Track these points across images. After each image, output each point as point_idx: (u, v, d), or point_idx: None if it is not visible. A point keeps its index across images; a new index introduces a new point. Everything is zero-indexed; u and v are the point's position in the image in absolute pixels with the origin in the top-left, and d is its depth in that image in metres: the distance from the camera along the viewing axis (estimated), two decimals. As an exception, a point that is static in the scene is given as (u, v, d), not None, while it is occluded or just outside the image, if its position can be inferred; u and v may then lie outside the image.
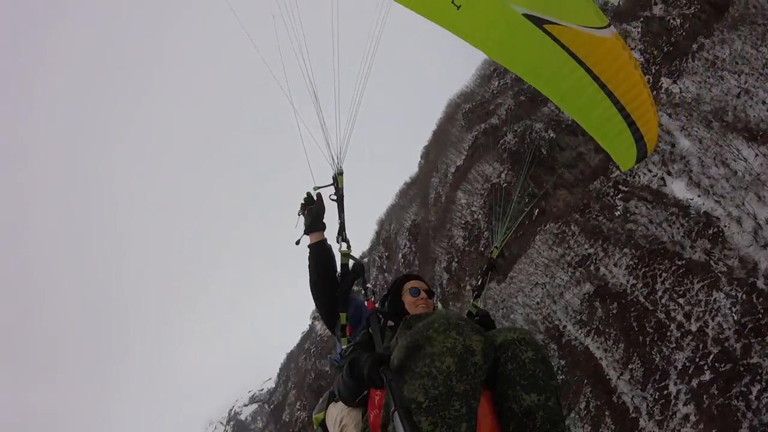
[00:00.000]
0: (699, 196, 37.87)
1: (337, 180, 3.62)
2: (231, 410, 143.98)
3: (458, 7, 3.15)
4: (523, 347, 2.39)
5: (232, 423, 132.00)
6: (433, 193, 48.70)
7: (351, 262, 3.47)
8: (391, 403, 2.07)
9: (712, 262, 28.20)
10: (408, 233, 50.55)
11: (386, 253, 55.26)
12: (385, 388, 2.15)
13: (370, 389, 2.48)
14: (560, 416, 2.23)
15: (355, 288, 3.57)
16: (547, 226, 35.74)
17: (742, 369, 15.72)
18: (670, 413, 17.18)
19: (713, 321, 20.45)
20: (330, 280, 3.45)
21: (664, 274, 28.54)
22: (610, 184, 40.93)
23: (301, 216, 3.64)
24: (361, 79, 3.57)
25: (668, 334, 22.12)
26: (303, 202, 3.65)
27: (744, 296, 20.46)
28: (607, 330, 24.63)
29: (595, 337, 24.66)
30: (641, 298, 25.40)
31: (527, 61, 3.52)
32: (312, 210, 3.59)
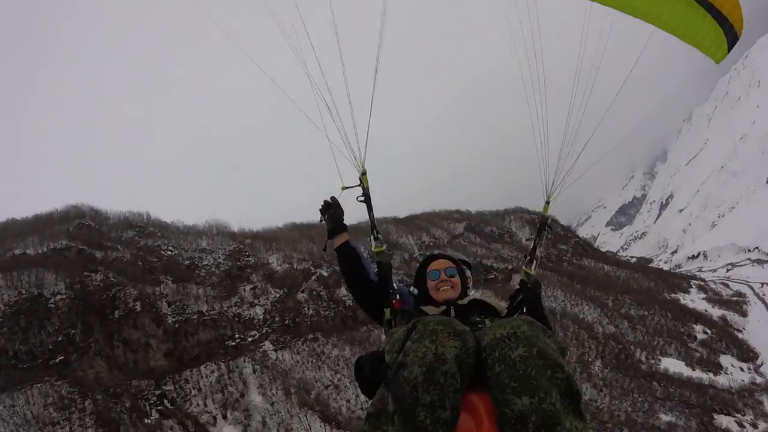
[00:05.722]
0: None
1: (362, 180, 3.71)
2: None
3: None
4: (513, 344, 2.17)
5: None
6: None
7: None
8: (387, 401, 2.11)
9: None
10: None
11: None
12: (385, 386, 2.18)
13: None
14: (557, 419, 1.98)
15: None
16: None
17: None
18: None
19: None
20: (361, 278, 3.45)
21: None
22: (158, 392, 43.30)
23: (323, 221, 3.66)
24: (373, 84, 3.72)
25: None
26: (321, 207, 3.64)
27: None
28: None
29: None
30: None
31: None
32: (331, 214, 3.60)
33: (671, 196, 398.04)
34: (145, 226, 66.28)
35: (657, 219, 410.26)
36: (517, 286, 3.58)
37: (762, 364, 68.16)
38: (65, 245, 51.85)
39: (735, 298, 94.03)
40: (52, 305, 42.12)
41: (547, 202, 4.03)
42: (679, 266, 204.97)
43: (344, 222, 3.63)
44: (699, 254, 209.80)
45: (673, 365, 63.39)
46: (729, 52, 4.23)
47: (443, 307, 3.04)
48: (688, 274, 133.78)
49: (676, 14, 3.80)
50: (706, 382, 60.47)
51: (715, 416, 53.48)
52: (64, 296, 43.24)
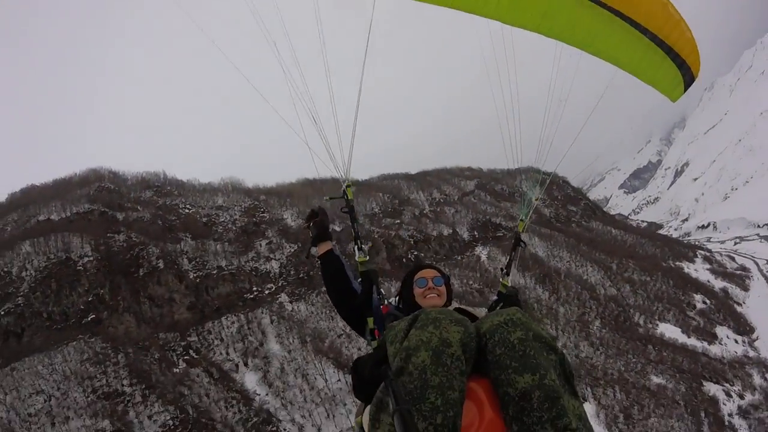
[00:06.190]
0: (267, 394, 42.99)
1: (346, 193, 3.87)
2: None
3: None
4: (511, 328, 2.29)
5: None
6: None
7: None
8: (388, 402, 2.08)
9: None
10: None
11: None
12: (386, 386, 2.13)
13: None
14: (558, 392, 2.09)
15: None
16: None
17: None
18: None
19: None
20: (342, 287, 3.49)
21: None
22: (183, 343, 45.44)
23: (309, 229, 3.74)
24: (357, 99, 3.98)
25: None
26: (308, 215, 3.79)
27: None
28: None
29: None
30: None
31: (537, 13, 3.58)
32: (317, 222, 3.68)
33: (687, 164, 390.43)
34: (162, 186, 67.81)
35: (671, 185, 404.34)
36: (495, 297, 3.88)
37: (757, 338, 68.44)
38: (87, 209, 53.66)
39: (739, 272, 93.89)
40: (80, 268, 44.30)
41: (522, 220, 4.44)
42: (688, 234, 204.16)
43: (329, 230, 3.70)
44: (709, 224, 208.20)
45: (669, 331, 64.82)
46: (685, 91, 4.38)
47: None
48: (696, 243, 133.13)
49: (635, 57, 3.93)
50: (700, 350, 61.70)
51: (704, 383, 54.63)
52: (91, 258, 45.34)
